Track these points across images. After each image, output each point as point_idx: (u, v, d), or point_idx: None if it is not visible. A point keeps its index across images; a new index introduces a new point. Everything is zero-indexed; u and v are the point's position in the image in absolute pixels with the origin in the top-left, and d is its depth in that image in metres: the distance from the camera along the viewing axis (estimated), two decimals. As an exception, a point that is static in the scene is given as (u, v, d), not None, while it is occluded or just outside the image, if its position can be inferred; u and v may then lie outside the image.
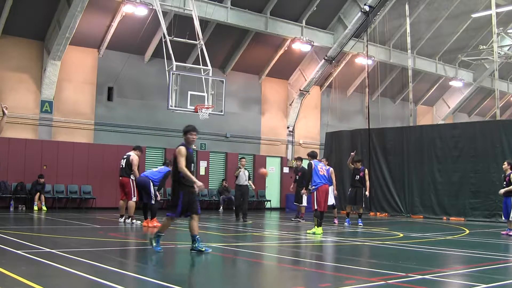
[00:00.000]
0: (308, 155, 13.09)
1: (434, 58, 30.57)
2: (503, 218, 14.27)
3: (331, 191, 15.65)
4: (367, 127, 23.27)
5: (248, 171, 17.21)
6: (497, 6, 24.03)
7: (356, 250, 10.35)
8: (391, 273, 6.97)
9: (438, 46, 29.91)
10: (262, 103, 26.18)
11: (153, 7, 18.84)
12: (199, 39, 18.81)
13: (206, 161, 23.86)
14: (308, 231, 12.58)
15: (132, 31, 20.82)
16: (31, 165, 19.59)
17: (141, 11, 19.52)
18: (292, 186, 17.82)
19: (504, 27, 29.78)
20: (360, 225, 15.54)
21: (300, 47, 23.95)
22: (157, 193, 13.56)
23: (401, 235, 12.79)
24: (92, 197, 20.70)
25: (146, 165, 20.49)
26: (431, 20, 28.06)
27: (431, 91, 32.80)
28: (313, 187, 12.61)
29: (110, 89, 21.90)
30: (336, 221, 16.37)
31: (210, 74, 18.24)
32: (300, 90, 26.06)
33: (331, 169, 15.75)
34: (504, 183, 13.55)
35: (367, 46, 24.97)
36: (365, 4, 23.29)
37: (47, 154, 20.08)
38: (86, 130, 21.29)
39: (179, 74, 17.80)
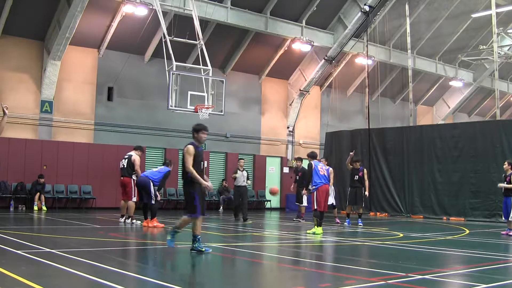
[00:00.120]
0: (308, 155, 13.09)
1: (434, 58, 30.57)
2: (503, 218, 14.27)
3: (331, 191, 15.67)
4: (367, 127, 23.27)
5: (247, 171, 17.26)
6: (497, 6, 24.03)
7: (356, 250, 10.35)
8: (391, 273, 6.97)
9: (438, 46, 29.91)
10: (262, 103, 26.18)
11: (153, 7, 18.84)
12: (199, 39, 18.81)
13: (206, 161, 23.76)
14: (308, 231, 12.58)
15: (132, 31, 20.82)
16: (31, 165, 19.59)
17: (141, 11, 19.53)
18: (292, 186, 17.83)
19: (504, 27, 29.78)
20: (360, 225, 15.55)
21: (300, 47, 23.95)
22: (157, 193, 13.56)
23: (401, 235, 12.79)
24: (92, 197, 20.70)
25: (146, 165, 20.48)
26: (431, 20, 28.06)
27: (431, 91, 32.80)
28: (313, 187, 12.62)
29: (110, 89, 21.90)
30: (338, 220, 16.38)
31: (210, 74, 18.24)
32: (300, 90, 26.07)
33: (331, 169, 15.75)
34: (505, 183, 13.54)
35: (367, 46, 24.98)
36: (365, 4, 23.29)
37: (47, 154, 20.08)
38: (86, 130, 21.29)
39: (179, 74, 17.80)
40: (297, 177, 17.29)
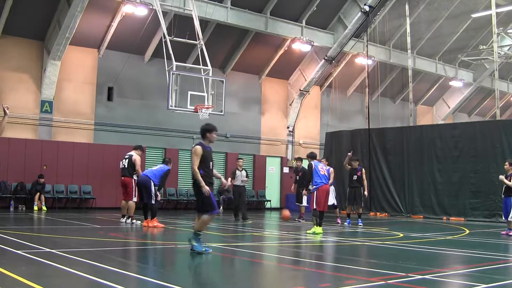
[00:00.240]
0: (308, 156, 13.10)
1: (434, 58, 30.57)
2: (503, 218, 14.26)
3: (332, 191, 15.68)
4: (367, 127, 23.28)
5: (246, 170, 17.34)
6: (497, 6, 24.02)
7: (356, 250, 10.35)
8: (391, 273, 6.97)
9: (438, 46, 29.91)
10: (262, 103, 26.19)
11: (153, 7, 18.84)
12: (199, 39, 18.81)
13: (206, 161, 23.79)
14: (308, 231, 12.58)
15: (132, 31, 20.82)
16: (31, 165, 19.59)
17: (141, 11, 19.53)
18: (292, 187, 17.83)
19: (504, 27, 29.78)
20: (360, 225, 15.55)
21: (300, 47, 23.95)
22: (157, 193, 13.55)
23: (401, 235, 12.79)
24: (92, 197, 20.70)
25: (146, 165, 20.47)
26: (431, 20, 28.06)
27: (431, 91, 32.80)
28: (314, 187, 12.62)
29: (110, 89, 21.90)
30: (339, 220, 16.38)
31: (210, 74, 18.24)
32: (300, 90, 26.07)
33: (331, 169, 15.77)
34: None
35: (367, 46, 24.98)
36: (365, 4, 23.29)
37: (47, 154, 20.08)
38: (86, 130, 21.29)
39: (179, 74, 17.80)
40: (297, 177, 17.30)
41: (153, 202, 13.35)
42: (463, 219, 19.22)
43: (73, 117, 20.99)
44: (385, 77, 29.49)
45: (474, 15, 28.12)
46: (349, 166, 16.64)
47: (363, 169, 16.64)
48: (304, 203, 16.81)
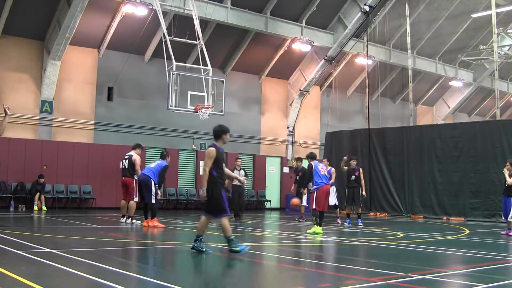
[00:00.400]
0: (307, 156, 13.10)
1: (434, 58, 30.57)
2: (503, 218, 14.25)
3: (333, 191, 15.68)
4: (367, 127, 23.28)
5: (244, 170, 17.36)
6: (497, 6, 24.02)
7: (356, 250, 10.35)
8: (391, 273, 6.97)
9: (438, 46, 29.92)
10: (262, 103, 26.19)
11: (153, 7, 18.85)
12: (199, 39, 18.81)
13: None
14: (308, 231, 12.58)
15: (132, 31, 20.82)
16: (31, 165, 19.59)
17: (141, 11, 19.53)
18: (292, 187, 17.83)
19: (504, 27, 29.78)
20: (360, 225, 15.54)
21: (300, 47, 23.96)
22: (157, 191, 13.53)
23: (401, 235, 12.79)
24: (92, 197, 20.70)
25: (146, 165, 20.46)
26: (431, 20, 28.06)
27: (431, 91, 32.81)
28: (315, 187, 12.61)
29: (110, 89, 21.91)
30: (339, 220, 16.37)
31: (210, 74, 18.24)
32: (300, 90, 26.07)
33: (333, 169, 15.77)
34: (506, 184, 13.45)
35: (367, 46, 24.99)
36: (365, 4, 23.29)
37: (47, 154, 20.08)
38: (86, 130, 21.29)
39: (179, 74, 17.80)
40: (297, 177, 17.31)
41: (153, 201, 13.35)
42: (463, 219, 19.22)
43: (73, 117, 20.99)
44: (385, 77, 29.50)
45: (474, 15, 28.13)
46: (346, 168, 16.62)
47: (360, 169, 16.62)
48: (304, 202, 16.81)
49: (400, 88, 31.06)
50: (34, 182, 19.25)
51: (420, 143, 21.07)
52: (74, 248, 8.86)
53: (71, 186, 20.56)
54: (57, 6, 19.29)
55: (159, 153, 14.97)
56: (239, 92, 24.90)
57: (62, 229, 12.81)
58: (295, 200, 12.88)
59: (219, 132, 8.49)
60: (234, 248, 8.11)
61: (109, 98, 21.93)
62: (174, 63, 17.46)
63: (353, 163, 16.51)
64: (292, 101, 26.45)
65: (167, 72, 17.58)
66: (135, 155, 13.88)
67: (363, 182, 16.38)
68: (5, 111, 8.37)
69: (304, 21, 23.82)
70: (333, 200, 15.90)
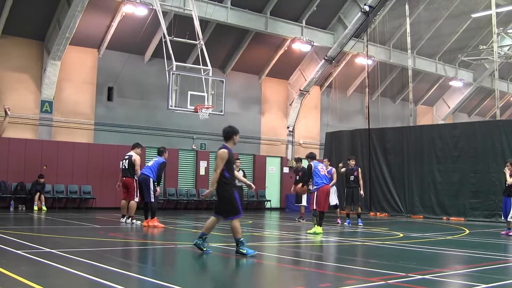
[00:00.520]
0: (307, 156, 13.09)
1: (434, 58, 30.57)
2: (503, 218, 14.25)
3: (333, 191, 15.67)
4: (367, 127, 23.28)
5: (243, 171, 17.29)
6: (497, 6, 24.02)
7: (356, 250, 10.35)
8: (391, 273, 6.96)
9: (438, 46, 29.92)
10: (262, 103, 26.19)
11: (153, 7, 18.85)
12: (199, 39, 18.81)
13: (206, 161, 23.85)
14: (308, 231, 12.58)
15: (132, 31, 20.83)
16: (31, 165, 19.59)
17: (141, 11, 19.53)
18: (293, 188, 17.82)
19: (504, 27, 29.78)
20: (360, 225, 15.54)
21: (300, 47, 23.96)
22: (157, 188, 13.52)
23: (401, 235, 12.78)
24: (92, 197, 20.70)
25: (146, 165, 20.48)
26: (431, 20, 28.06)
27: (431, 91, 32.81)
28: (315, 187, 12.61)
29: (110, 89, 21.92)
30: (339, 220, 16.37)
31: (210, 74, 18.24)
32: (300, 90, 26.07)
33: (333, 169, 15.78)
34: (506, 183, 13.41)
35: (367, 46, 24.99)
36: (365, 4, 23.29)
37: (47, 154, 20.08)
38: (86, 130, 21.30)
39: (179, 74, 17.80)
40: (297, 178, 17.29)
41: (152, 200, 13.35)
42: (463, 219, 19.22)
43: (73, 117, 21.00)
44: (385, 77, 29.50)
45: (474, 15, 28.12)
46: (344, 169, 16.58)
47: (359, 168, 16.63)
48: (304, 202, 16.82)
49: (400, 88, 31.06)
50: (34, 182, 19.25)
51: (420, 143, 21.07)
52: (74, 248, 8.85)
53: (71, 186, 20.56)
54: (57, 6, 19.29)
55: (164, 157, 14.85)
56: (239, 92, 24.90)
57: (62, 229, 12.80)
58: (299, 188, 12.82)
59: (230, 133, 8.40)
60: (241, 250, 8.08)
61: (109, 98, 21.93)
62: (174, 63, 17.47)
63: (352, 162, 16.50)
64: (292, 101, 26.45)
65: (167, 72, 17.58)
66: (134, 155, 13.87)
67: (361, 182, 16.39)
68: (5, 112, 8.37)
69: (304, 21, 23.82)
70: (333, 200, 15.90)
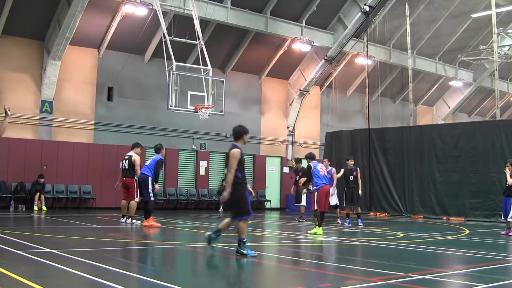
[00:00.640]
0: (306, 157, 13.08)
1: (434, 58, 30.57)
2: (502, 218, 14.25)
3: (334, 191, 15.67)
4: (367, 127, 23.28)
5: None
6: (497, 6, 24.02)
7: (356, 250, 10.35)
8: (391, 273, 6.96)
9: (438, 46, 29.92)
10: (262, 103, 26.19)
11: (153, 7, 18.85)
12: (199, 39, 18.81)
13: (206, 161, 23.86)
14: (308, 231, 12.58)
15: (132, 31, 20.82)
16: (31, 165, 19.59)
17: (141, 11, 19.53)
18: (292, 188, 17.82)
19: (504, 27, 29.78)
20: (361, 225, 15.54)
21: (300, 47, 23.96)
22: (155, 186, 13.51)
23: (401, 235, 12.79)
24: (92, 197, 20.70)
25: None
26: (431, 20, 28.06)
27: (431, 91, 32.81)
28: (315, 187, 12.60)
29: (110, 89, 21.91)
30: (339, 220, 16.36)
31: (210, 74, 18.24)
32: (300, 90, 26.07)
33: (334, 169, 15.77)
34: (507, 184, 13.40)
35: (367, 46, 24.99)
36: (365, 4, 23.29)
37: (47, 154, 20.08)
38: (86, 130, 21.30)
39: (179, 74, 17.79)
40: (297, 178, 17.29)
41: (152, 198, 13.36)
42: (463, 219, 19.21)
43: (73, 117, 21.00)
44: (385, 77, 29.50)
45: (474, 15, 28.12)
46: (342, 170, 16.55)
47: (358, 168, 16.65)
48: (303, 202, 16.83)
49: (400, 88, 31.06)
50: (34, 182, 19.25)
51: (420, 143, 21.07)
52: (74, 248, 8.85)
53: (71, 186, 20.56)
54: (57, 6, 19.29)
55: (161, 154, 14.82)
56: (239, 92, 24.90)
57: (62, 229, 12.80)
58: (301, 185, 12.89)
59: (241, 133, 8.40)
60: (242, 250, 8.06)
61: (109, 98, 21.93)
62: (174, 63, 17.47)
63: (350, 162, 16.50)
64: (292, 101, 26.45)
65: (167, 72, 17.58)
66: (134, 155, 13.87)
67: (360, 181, 16.40)
68: (5, 112, 8.37)
69: (304, 21, 23.82)
70: (334, 200, 15.90)
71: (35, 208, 18.77)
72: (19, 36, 19.92)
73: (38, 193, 19.08)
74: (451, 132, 20.46)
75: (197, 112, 17.80)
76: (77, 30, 19.09)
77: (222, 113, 18.55)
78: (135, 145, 14.26)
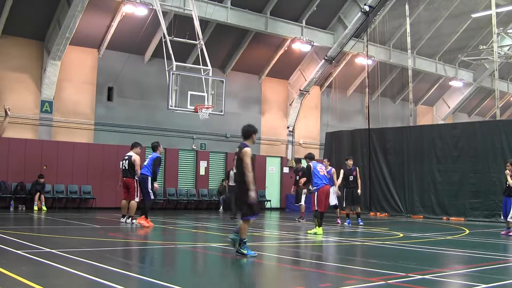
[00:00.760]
0: (306, 157, 13.09)
1: (434, 58, 30.57)
2: (502, 218, 14.25)
3: (333, 192, 15.66)
4: (367, 127, 23.28)
5: None
6: (497, 6, 24.02)
7: (356, 250, 10.35)
8: (391, 273, 6.96)
9: (438, 46, 29.92)
10: (262, 103, 26.19)
11: (153, 7, 18.85)
12: (199, 39, 18.81)
13: (206, 161, 23.86)
14: (308, 231, 12.58)
15: (132, 31, 20.82)
16: (31, 165, 19.59)
17: (141, 11, 19.53)
18: (292, 189, 17.81)
19: (504, 27, 29.78)
20: (361, 225, 15.54)
21: (300, 47, 23.96)
22: (154, 184, 13.50)
23: (401, 235, 12.79)
24: (92, 197, 20.70)
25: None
26: (431, 20, 28.06)
27: (431, 91, 32.81)
28: (314, 188, 12.60)
29: (110, 89, 21.91)
30: (339, 220, 16.36)
31: (210, 74, 18.24)
32: (300, 90, 26.07)
33: (333, 169, 15.77)
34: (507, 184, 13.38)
35: (367, 46, 24.99)
36: (365, 4, 23.29)
37: (47, 154, 20.08)
38: (86, 130, 21.29)
39: (179, 74, 17.79)
40: (297, 178, 17.30)
41: (152, 197, 13.37)
42: (463, 219, 19.21)
43: (73, 117, 21.00)
44: (385, 77, 29.50)
45: (474, 15, 28.12)
46: (342, 172, 16.53)
47: (357, 168, 16.66)
48: (302, 202, 16.83)
49: (400, 88, 31.06)
50: (34, 182, 19.25)
51: (420, 143, 21.07)
52: (74, 248, 8.86)
53: (71, 186, 20.56)
54: (57, 6, 19.29)
55: (158, 152, 14.82)
56: (239, 92, 24.90)
57: (62, 229, 12.80)
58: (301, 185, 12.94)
59: (250, 132, 8.40)
60: (241, 250, 8.04)
61: (109, 98, 21.93)
62: (174, 63, 17.46)
63: (350, 162, 16.51)
64: (292, 101, 26.45)
65: (167, 72, 17.58)
66: (134, 155, 13.87)
67: (359, 181, 16.42)
68: (5, 112, 8.37)
69: (304, 21, 23.82)
70: (333, 200, 15.90)
71: (35, 208, 18.78)
72: (19, 36, 19.91)
73: (38, 193, 19.08)
74: (451, 132, 20.46)
75: (197, 112, 17.80)
76: (77, 30, 19.09)
77: (222, 113, 18.55)
78: (134, 145, 14.26)
